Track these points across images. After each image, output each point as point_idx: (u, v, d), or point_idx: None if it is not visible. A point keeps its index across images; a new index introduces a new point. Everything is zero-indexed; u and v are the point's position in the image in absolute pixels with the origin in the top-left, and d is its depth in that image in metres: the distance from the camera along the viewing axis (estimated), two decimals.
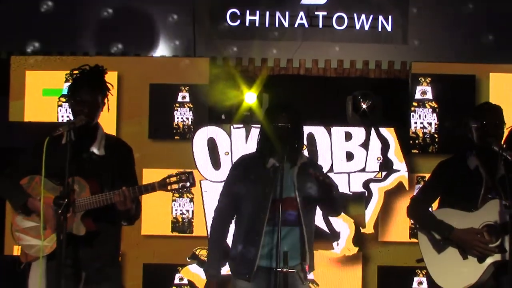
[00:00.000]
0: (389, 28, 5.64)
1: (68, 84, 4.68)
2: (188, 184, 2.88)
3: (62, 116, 4.79)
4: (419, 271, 4.61)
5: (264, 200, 2.96)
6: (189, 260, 4.71)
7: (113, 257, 3.12)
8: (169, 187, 2.87)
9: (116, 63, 4.79)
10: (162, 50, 5.57)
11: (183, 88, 4.95)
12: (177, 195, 4.68)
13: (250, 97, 4.85)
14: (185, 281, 4.73)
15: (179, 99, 4.93)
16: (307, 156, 3.22)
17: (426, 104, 4.64)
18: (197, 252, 4.63)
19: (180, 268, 4.73)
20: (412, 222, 3.29)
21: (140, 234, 4.70)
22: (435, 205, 3.34)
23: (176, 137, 4.88)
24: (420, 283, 4.64)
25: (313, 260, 3.08)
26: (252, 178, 3.05)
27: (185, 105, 4.95)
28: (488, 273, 3.03)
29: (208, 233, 3.16)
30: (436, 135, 4.64)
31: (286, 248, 2.90)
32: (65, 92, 4.77)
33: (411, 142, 4.67)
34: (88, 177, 2.94)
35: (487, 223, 3.03)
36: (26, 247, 3.02)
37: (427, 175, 4.33)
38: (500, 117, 3.13)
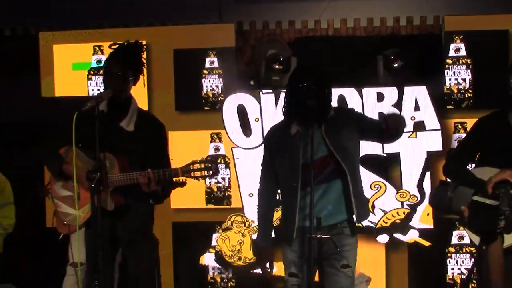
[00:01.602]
0: None
1: (96, 56, 4.80)
2: (211, 173, 2.92)
3: (93, 90, 4.82)
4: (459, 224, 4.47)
5: (294, 168, 2.95)
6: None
7: (144, 232, 3.18)
8: (192, 174, 2.90)
9: (143, 34, 4.72)
10: (187, 17, 5.51)
11: (210, 52, 4.84)
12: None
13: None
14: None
15: (207, 65, 4.84)
16: (335, 106, 3.16)
17: (460, 61, 4.54)
18: (231, 219, 4.65)
19: (218, 227, 4.68)
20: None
21: (170, 208, 4.60)
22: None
23: (205, 107, 4.83)
24: (460, 237, 4.56)
25: (366, 206, 3.11)
26: (281, 148, 3.05)
27: (214, 71, 4.85)
28: None
29: (256, 207, 3.21)
30: (470, 91, 4.54)
31: (330, 205, 2.95)
32: (94, 65, 4.81)
33: (446, 98, 4.56)
34: (117, 153, 2.97)
35: None
36: (62, 214, 3.13)
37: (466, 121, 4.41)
38: None
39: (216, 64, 4.80)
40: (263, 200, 3.19)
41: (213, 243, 4.68)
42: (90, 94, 4.79)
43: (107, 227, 2.97)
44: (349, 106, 4.50)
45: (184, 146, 4.56)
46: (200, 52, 4.84)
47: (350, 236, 3.03)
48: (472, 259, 4.50)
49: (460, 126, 4.53)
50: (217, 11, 5.52)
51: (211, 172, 2.93)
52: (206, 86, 4.76)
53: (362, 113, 3.18)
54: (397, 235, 4.50)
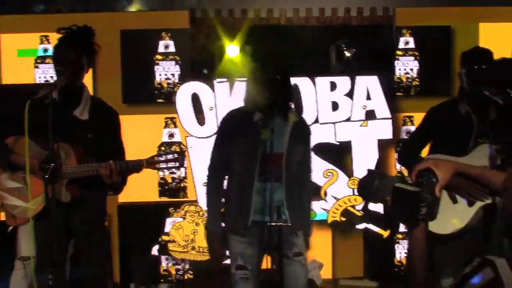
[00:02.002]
0: None
1: (42, 46, 4.61)
2: (177, 164, 2.87)
3: (40, 77, 4.64)
4: None
5: (254, 155, 2.94)
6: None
7: (99, 222, 3.13)
8: (156, 165, 2.86)
9: (91, 19, 4.54)
10: (137, 4, 5.40)
11: (165, 34, 4.48)
12: (163, 148, 4.50)
13: (232, 50, 4.75)
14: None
15: (161, 49, 4.53)
16: (297, 113, 3.19)
17: (409, 53, 4.72)
18: (185, 209, 4.61)
19: (173, 210, 4.52)
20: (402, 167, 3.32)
21: (117, 202, 4.44)
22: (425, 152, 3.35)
23: (158, 100, 4.57)
24: None
25: (301, 220, 3.07)
26: (241, 133, 3.02)
27: (169, 57, 4.54)
28: (477, 217, 3.07)
29: (205, 192, 3.16)
30: (417, 79, 4.73)
31: (276, 204, 2.92)
32: (40, 53, 4.64)
33: (395, 86, 4.71)
34: (72, 142, 2.88)
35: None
36: (10, 207, 3.02)
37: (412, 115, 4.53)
38: (490, 61, 3.11)
39: (171, 48, 4.52)
40: (213, 186, 3.12)
41: (167, 229, 4.60)
42: (37, 82, 4.61)
43: (61, 218, 2.89)
44: (302, 95, 4.54)
45: (136, 132, 4.38)
46: (152, 33, 4.48)
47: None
48: None
49: (408, 120, 4.67)
50: None
51: (177, 163, 2.89)
52: (160, 75, 4.53)
53: (310, 150, 3.22)
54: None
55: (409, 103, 4.70)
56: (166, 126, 4.55)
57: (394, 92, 4.69)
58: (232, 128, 3.06)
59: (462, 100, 3.17)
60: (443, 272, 3.19)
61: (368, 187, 1.79)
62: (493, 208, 3.05)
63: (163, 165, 2.89)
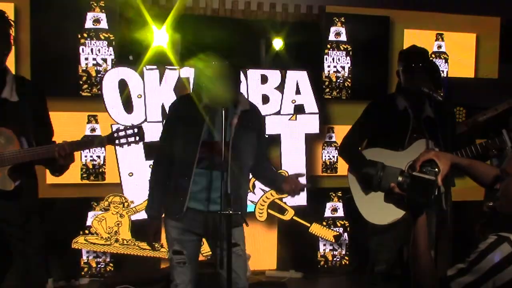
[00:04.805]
0: None
1: None
2: (137, 138, 2.78)
3: None
4: (333, 194, 4.69)
5: (194, 140, 2.93)
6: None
7: (35, 208, 2.93)
8: (116, 142, 2.75)
9: None
10: None
11: (95, 5, 3.65)
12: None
13: (161, 37, 4.61)
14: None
15: (89, 24, 3.80)
16: (250, 101, 3.18)
17: (340, 47, 4.63)
18: (109, 200, 4.42)
19: (95, 204, 4.36)
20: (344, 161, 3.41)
21: (45, 183, 4.17)
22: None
23: (82, 93, 4.07)
24: (334, 209, 4.77)
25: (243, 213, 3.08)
26: (185, 118, 2.99)
27: (101, 35, 3.88)
28: None
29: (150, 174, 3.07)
30: (349, 80, 4.66)
31: (215, 192, 2.92)
32: None
33: (323, 86, 4.69)
34: (6, 125, 2.66)
35: None
36: None
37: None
38: (426, 59, 3.28)
39: (104, 24, 3.82)
40: (158, 169, 3.08)
41: (88, 223, 4.38)
42: None
43: None
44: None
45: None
46: (78, 1, 3.70)
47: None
48: (346, 233, 4.81)
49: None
50: None
51: (137, 137, 2.80)
52: (87, 59, 4.14)
53: (264, 131, 3.26)
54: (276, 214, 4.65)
55: (338, 108, 4.68)
56: (89, 121, 4.24)
57: (322, 93, 4.66)
58: (179, 113, 3.05)
59: (399, 96, 3.32)
60: (378, 259, 3.35)
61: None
62: None
63: (123, 141, 2.78)
